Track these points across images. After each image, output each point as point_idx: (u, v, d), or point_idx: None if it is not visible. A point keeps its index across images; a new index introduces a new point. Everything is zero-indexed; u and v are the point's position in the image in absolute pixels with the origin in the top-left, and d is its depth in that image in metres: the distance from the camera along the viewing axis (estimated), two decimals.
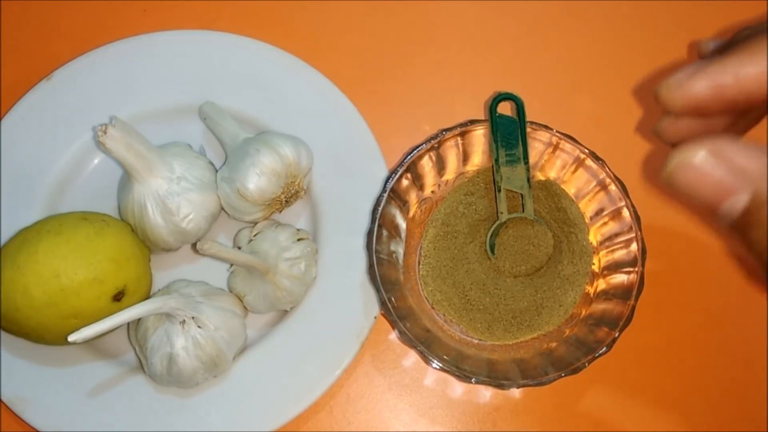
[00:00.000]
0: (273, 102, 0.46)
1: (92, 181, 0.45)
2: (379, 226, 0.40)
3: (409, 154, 0.41)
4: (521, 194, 0.41)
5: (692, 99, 0.25)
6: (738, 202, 0.23)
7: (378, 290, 0.38)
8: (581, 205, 0.42)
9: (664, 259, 0.43)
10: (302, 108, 0.46)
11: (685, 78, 0.25)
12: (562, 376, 0.37)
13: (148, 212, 0.40)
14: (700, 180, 0.23)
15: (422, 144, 0.41)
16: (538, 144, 0.42)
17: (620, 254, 0.40)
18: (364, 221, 0.42)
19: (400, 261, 0.42)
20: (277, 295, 0.41)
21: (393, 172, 0.41)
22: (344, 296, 0.42)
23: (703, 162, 0.23)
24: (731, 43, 0.27)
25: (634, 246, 0.39)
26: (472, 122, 0.41)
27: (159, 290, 0.41)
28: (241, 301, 0.42)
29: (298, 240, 0.42)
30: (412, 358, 0.43)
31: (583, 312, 0.40)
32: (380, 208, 0.40)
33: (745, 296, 0.44)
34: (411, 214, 0.43)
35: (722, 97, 0.25)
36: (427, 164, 0.42)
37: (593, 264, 0.41)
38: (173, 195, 0.40)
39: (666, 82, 0.26)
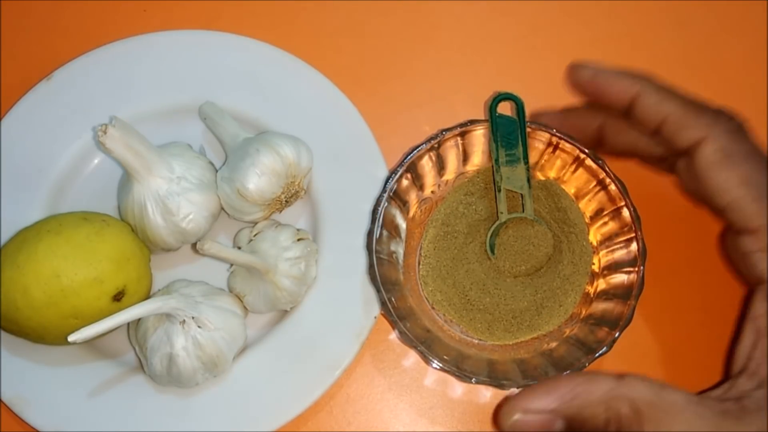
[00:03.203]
0: (273, 102, 0.46)
1: (92, 181, 0.45)
2: (379, 226, 0.40)
3: (409, 154, 0.41)
4: (521, 194, 0.41)
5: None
6: (559, 427, 0.32)
7: (378, 290, 0.38)
8: (581, 205, 0.42)
9: (664, 259, 0.43)
10: (302, 108, 0.46)
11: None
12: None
13: (148, 212, 0.40)
14: (529, 427, 0.32)
15: (422, 144, 0.41)
16: (538, 144, 0.42)
17: (620, 254, 0.40)
18: (364, 221, 0.42)
19: (400, 261, 0.42)
20: (277, 295, 0.41)
21: (393, 172, 0.41)
22: (344, 296, 0.42)
23: (522, 420, 0.32)
24: None
25: (634, 246, 0.39)
26: (472, 122, 0.41)
27: (159, 290, 0.41)
28: (241, 301, 0.42)
29: (298, 240, 0.42)
30: (412, 358, 0.43)
31: (583, 312, 0.40)
32: (380, 208, 0.40)
33: (744, 296, 0.43)
34: (411, 214, 0.43)
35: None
36: (427, 164, 0.42)
37: (593, 264, 0.41)
38: (173, 195, 0.40)
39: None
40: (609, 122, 0.41)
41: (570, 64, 0.40)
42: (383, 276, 0.39)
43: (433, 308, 0.42)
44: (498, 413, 0.34)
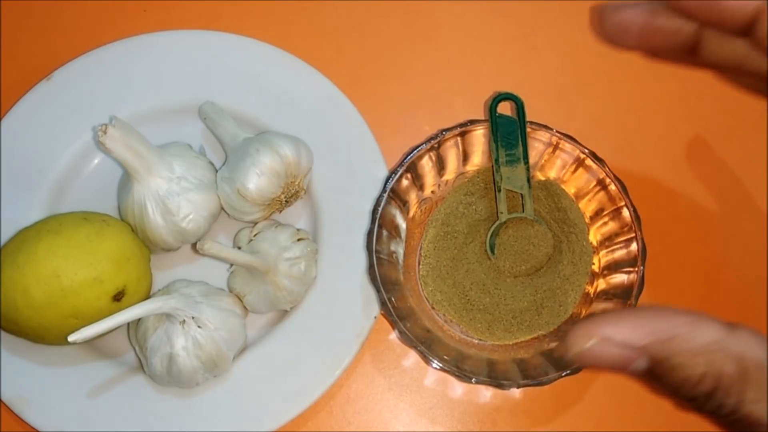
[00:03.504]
0: (273, 102, 0.46)
1: (92, 181, 0.45)
2: (379, 226, 0.40)
3: (409, 154, 0.41)
4: (521, 194, 0.41)
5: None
6: (638, 365, 0.27)
7: (378, 290, 0.38)
8: (581, 205, 0.42)
9: (664, 259, 0.43)
10: (302, 108, 0.46)
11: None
12: (562, 376, 0.37)
13: (148, 212, 0.40)
14: (600, 360, 0.27)
15: (422, 144, 0.41)
16: (538, 144, 0.42)
17: (620, 254, 0.40)
18: (364, 221, 0.42)
19: (400, 261, 0.42)
20: (277, 295, 0.41)
21: (393, 172, 0.41)
22: (344, 296, 0.42)
23: (596, 348, 0.27)
24: None
25: (634, 246, 0.39)
26: (472, 122, 0.41)
27: (159, 290, 0.41)
28: (241, 301, 0.42)
29: (298, 240, 0.42)
30: (412, 358, 0.43)
31: (583, 312, 0.40)
32: (380, 208, 0.40)
33: (744, 296, 0.44)
34: (411, 214, 0.43)
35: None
36: (427, 164, 0.42)
37: (593, 264, 0.41)
38: (173, 195, 0.40)
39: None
40: (710, 29, 0.33)
41: None
42: (383, 276, 0.39)
43: (433, 308, 0.42)
44: (569, 334, 0.28)
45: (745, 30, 0.31)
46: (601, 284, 0.41)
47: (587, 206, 0.42)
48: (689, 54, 0.33)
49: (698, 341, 0.27)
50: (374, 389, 0.42)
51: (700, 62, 0.33)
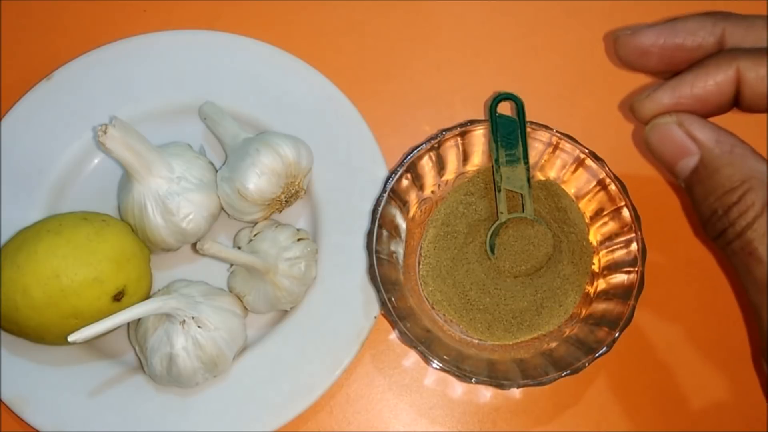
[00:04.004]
0: (273, 102, 0.46)
1: (92, 181, 0.45)
2: (379, 226, 0.40)
3: (409, 154, 0.41)
4: (521, 194, 0.41)
5: (659, 108, 0.32)
6: (690, 161, 0.30)
7: (378, 290, 0.38)
8: (581, 205, 0.42)
9: (664, 259, 0.43)
10: (302, 108, 0.46)
11: (651, 91, 0.32)
12: (562, 376, 0.37)
13: (148, 212, 0.40)
14: (664, 140, 0.30)
15: (422, 144, 0.41)
16: (538, 144, 0.42)
17: (620, 254, 0.40)
18: (364, 221, 0.42)
19: (400, 261, 0.42)
20: (277, 295, 0.41)
21: (393, 172, 0.41)
22: (344, 296, 0.42)
23: (669, 126, 0.30)
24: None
25: (634, 246, 0.39)
26: (472, 122, 0.41)
27: (159, 290, 0.41)
28: (241, 301, 0.42)
29: (298, 240, 0.42)
30: (412, 358, 0.43)
31: (583, 312, 0.40)
32: (380, 208, 0.40)
33: (744, 296, 0.44)
34: (411, 214, 0.43)
35: (682, 106, 0.31)
36: (427, 164, 0.42)
37: (593, 264, 0.41)
38: (173, 195, 0.40)
39: (637, 96, 0.32)
40: (731, 29, 0.33)
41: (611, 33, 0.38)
42: (383, 276, 0.39)
43: (433, 308, 0.42)
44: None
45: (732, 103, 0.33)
46: (601, 284, 0.41)
47: (587, 206, 0.42)
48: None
49: (750, 163, 0.29)
50: (374, 389, 0.42)
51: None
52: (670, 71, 0.34)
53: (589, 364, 0.37)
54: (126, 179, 0.41)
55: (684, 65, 0.33)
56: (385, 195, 0.40)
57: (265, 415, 0.40)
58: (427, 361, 0.37)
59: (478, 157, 0.43)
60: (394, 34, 0.50)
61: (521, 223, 0.41)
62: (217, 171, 0.43)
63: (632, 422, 0.42)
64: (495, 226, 0.41)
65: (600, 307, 0.40)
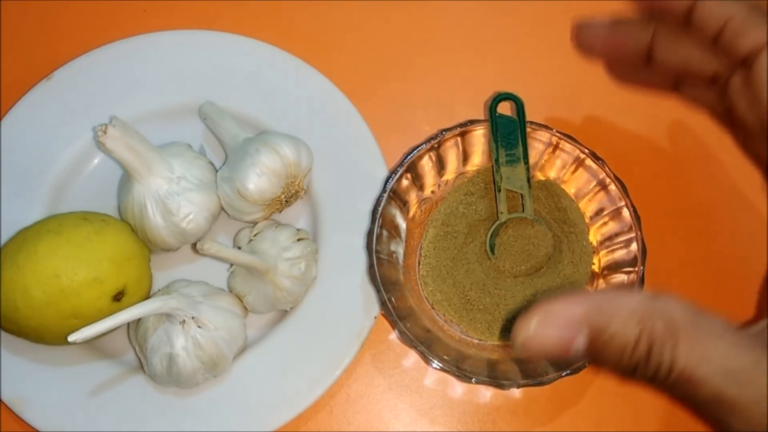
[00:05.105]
0: (273, 102, 0.46)
1: (92, 181, 0.45)
2: (379, 227, 0.40)
3: (409, 154, 0.41)
4: (521, 194, 0.41)
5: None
6: (579, 343, 0.28)
7: (378, 290, 0.38)
8: (581, 205, 0.42)
9: (664, 259, 0.43)
10: (302, 108, 0.46)
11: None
12: (562, 376, 0.37)
13: (148, 212, 0.40)
14: (543, 344, 0.28)
15: (422, 144, 0.41)
16: (538, 144, 0.42)
17: (620, 254, 0.40)
18: (364, 221, 0.42)
19: (400, 261, 0.42)
20: (277, 295, 0.41)
21: (393, 172, 0.41)
22: (344, 296, 0.42)
23: (537, 330, 0.28)
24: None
25: (634, 246, 0.39)
26: (472, 122, 0.41)
27: (159, 290, 0.41)
28: (241, 301, 0.42)
29: (298, 240, 0.42)
30: (412, 358, 0.43)
31: None
32: (380, 208, 0.40)
33: (745, 296, 0.44)
34: (411, 214, 0.43)
35: None
36: (427, 164, 0.42)
37: (593, 264, 0.41)
38: (173, 195, 0.40)
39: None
40: (661, 35, 0.38)
41: None
42: (383, 276, 0.39)
43: (433, 308, 0.42)
44: (514, 329, 0.29)
45: (686, 19, 0.35)
46: (601, 284, 0.41)
47: (587, 206, 0.42)
48: (646, 62, 0.38)
49: (628, 306, 0.28)
50: (374, 389, 0.42)
51: (656, 70, 0.38)
52: (614, 61, 0.39)
53: (589, 364, 0.37)
54: (126, 179, 0.41)
55: (623, 56, 0.38)
56: (385, 195, 0.40)
57: (265, 415, 0.40)
58: (427, 361, 0.37)
59: (478, 157, 0.43)
60: (394, 34, 0.50)
61: (521, 223, 0.41)
62: (217, 171, 0.43)
63: (632, 422, 0.42)
64: (495, 226, 0.41)
65: None
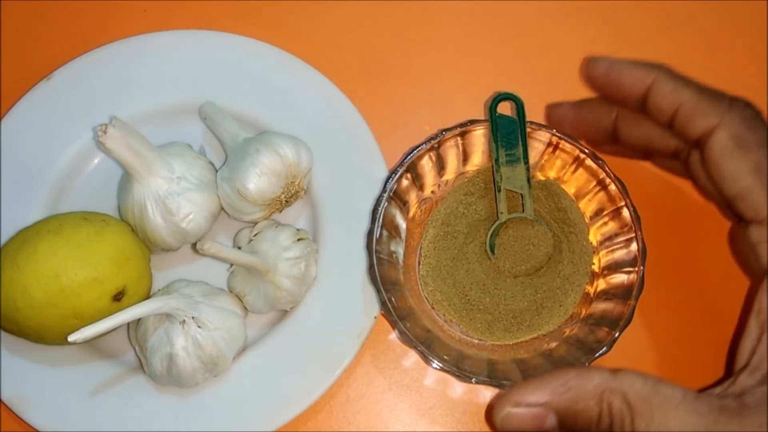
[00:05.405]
0: (273, 102, 0.46)
1: (92, 181, 0.45)
2: (379, 227, 0.40)
3: (409, 154, 0.41)
4: (521, 194, 0.41)
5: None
6: (551, 421, 0.32)
7: (378, 290, 0.38)
8: (581, 205, 0.42)
9: (664, 259, 0.43)
10: (302, 108, 0.46)
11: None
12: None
13: (148, 212, 0.40)
14: (520, 422, 0.32)
15: (422, 144, 0.41)
16: (538, 144, 0.42)
17: (620, 254, 0.40)
18: (364, 221, 0.42)
19: (400, 261, 0.42)
20: (277, 295, 0.41)
21: (393, 172, 0.41)
22: (344, 296, 0.42)
23: (513, 413, 0.32)
24: None
25: (634, 246, 0.39)
26: (472, 122, 0.41)
27: (159, 290, 0.41)
28: (241, 301, 0.42)
29: (298, 240, 0.42)
30: (412, 358, 0.43)
31: (583, 312, 0.40)
32: (380, 208, 0.40)
33: (744, 296, 0.44)
34: (411, 214, 0.43)
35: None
36: (427, 164, 0.42)
37: (593, 264, 0.41)
38: (173, 195, 0.40)
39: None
40: (623, 115, 0.40)
41: (585, 58, 0.40)
42: (383, 276, 0.39)
43: (433, 308, 0.42)
44: (491, 410, 0.34)
45: (642, 104, 0.38)
46: (601, 284, 0.41)
47: (587, 206, 0.42)
48: (613, 138, 0.41)
49: (589, 386, 0.31)
50: (374, 389, 0.42)
51: (621, 146, 0.41)
52: (584, 137, 0.41)
53: (589, 364, 0.37)
54: (126, 179, 0.41)
55: (591, 134, 0.41)
56: (385, 195, 0.40)
57: (265, 415, 0.40)
58: (427, 361, 0.37)
59: (478, 157, 0.43)
60: (394, 34, 0.50)
61: (521, 223, 0.41)
62: (217, 171, 0.43)
63: None
64: (495, 226, 0.41)
65: (600, 307, 0.40)
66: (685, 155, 0.39)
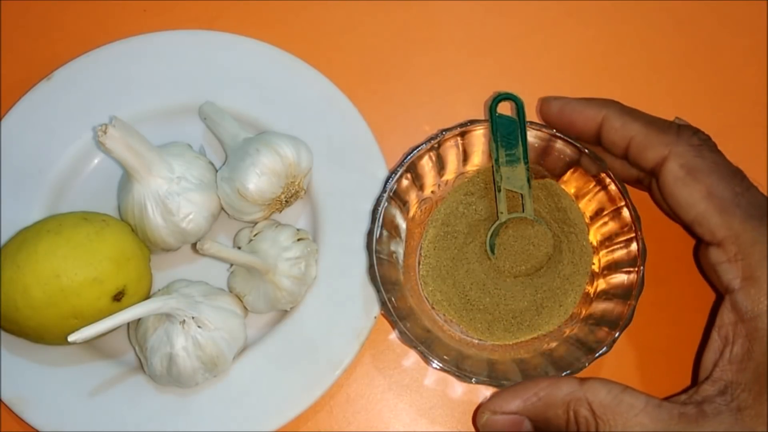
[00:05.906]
0: (273, 102, 0.46)
1: (92, 181, 0.45)
2: (379, 227, 0.40)
3: (409, 154, 0.41)
4: (521, 194, 0.41)
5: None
6: (527, 427, 0.35)
7: (378, 290, 0.38)
8: (581, 205, 0.42)
9: (664, 259, 0.43)
10: (302, 108, 0.46)
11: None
12: (562, 376, 0.37)
13: (148, 212, 0.40)
14: (499, 428, 0.35)
15: (422, 144, 0.41)
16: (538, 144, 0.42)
17: (620, 254, 0.40)
18: (364, 221, 0.42)
19: (400, 261, 0.42)
20: (277, 295, 0.41)
21: (393, 172, 0.41)
22: (344, 296, 0.42)
23: (492, 420, 0.36)
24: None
25: (634, 246, 0.39)
26: (472, 122, 0.41)
27: (159, 290, 0.41)
28: (241, 301, 0.42)
29: (298, 240, 0.42)
30: (412, 358, 0.43)
31: (583, 312, 0.40)
32: (380, 208, 0.40)
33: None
34: (411, 214, 0.43)
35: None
36: (427, 164, 0.42)
37: (593, 264, 0.41)
38: (173, 195, 0.40)
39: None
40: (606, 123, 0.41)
41: (539, 99, 0.42)
42: (383, 276, 0.39)
43: (433, 308, 0.42)
44: (476, 415, 0.37)
45: (598, 140, 0.40)
46: (601, 284, 0.41)
47: (587, 206, 0.42)
48: (597, 142, 0.40)
49: (558, 396, 0.35)
50: (374, 389, 0.42)
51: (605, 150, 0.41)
52: (572, 133, 0.41)
53: (589, 364, 0.37)
54: (126, 179, 0.41)
55: (579, 132, 0.41)
56: (385, 195, 0.40)
57: (265, 415, 0.40)
58: (427, 361, 0.37)
59: (478, 157, 0.43)
60: (394, 34, 0.50)
61: (521, 223, 0.41)
62: (217, 171, 0.43)
63: None
64: (495, 226, 0.41)
65: (600, 307, 0.40)
66: (647, 182, 0.41)
